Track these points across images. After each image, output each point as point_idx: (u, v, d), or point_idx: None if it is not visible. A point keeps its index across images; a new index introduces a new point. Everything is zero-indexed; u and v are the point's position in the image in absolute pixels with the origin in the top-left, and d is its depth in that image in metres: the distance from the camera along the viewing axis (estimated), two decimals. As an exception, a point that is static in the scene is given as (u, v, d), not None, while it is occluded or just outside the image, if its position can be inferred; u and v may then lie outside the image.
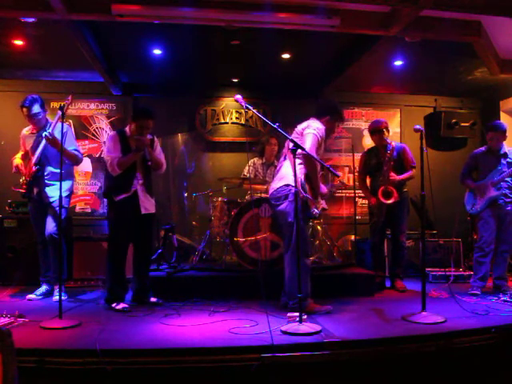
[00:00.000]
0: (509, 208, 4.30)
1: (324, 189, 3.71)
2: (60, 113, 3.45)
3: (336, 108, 3.76)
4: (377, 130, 4.61)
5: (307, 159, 3.44)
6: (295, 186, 3.24)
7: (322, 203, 3.61)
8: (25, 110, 4.00)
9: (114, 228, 3.86)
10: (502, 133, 4.34)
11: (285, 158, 3.68)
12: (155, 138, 4.01)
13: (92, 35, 4.56)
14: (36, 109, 4.02)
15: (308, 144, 3.42)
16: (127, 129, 3.88)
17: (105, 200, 6.05)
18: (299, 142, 3.34)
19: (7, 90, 5.96)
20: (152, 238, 4.04)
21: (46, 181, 4.08)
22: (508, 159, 4.33)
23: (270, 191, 3.68)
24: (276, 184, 3.62)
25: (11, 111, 5.86)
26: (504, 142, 4.39)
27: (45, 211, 4.09)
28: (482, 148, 4.56)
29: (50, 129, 3.85)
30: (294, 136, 3.55)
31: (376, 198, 4.52)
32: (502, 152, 4.36)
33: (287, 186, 3.50)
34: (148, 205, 3.88)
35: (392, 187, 4.43)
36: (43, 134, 3.87)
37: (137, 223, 3.83)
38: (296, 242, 3.22)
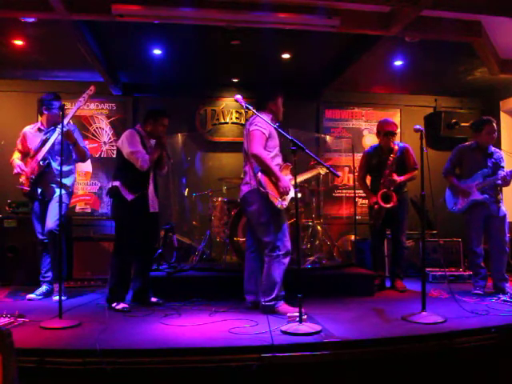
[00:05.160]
0: (493, 207, 4.26)
1: (286, 181, 3.49)
2: (74, 108, 3.85)
3: (275, 85, 3.73)
4: (391, 132, 4.51)
5: (254, 159, 3.47)
6: (258, 187, 3.36)
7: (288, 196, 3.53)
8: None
9: (124, 227, 3.79)
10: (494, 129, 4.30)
11: (246, 163, 3.68)
12: None
13: (92, 35, 4.57)
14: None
15: (251, 143, 3.46)
16: (139, 129, 3.91)
17: (106, 200, 6.05)
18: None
19: (7, 90, 5.96)
20: (157, 238, 4.03)
21: (50, 178, 4.08)
22: (493, 159, 4.29)
23: (241, 195, 3.70)
24: (244, 188, 3.64)
25: (11, 111, 5.88)
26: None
27: (46, 210, 4.09)
28: (470, 143, 4.46)
29: (65, 122, 3.84)
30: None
31: (375, 200, 4.50)
32: (488, 151, 4.31)
33: (253, 188, 3.52)
34: (155, 204, 3.91)
35: (393, 192, 4.41)
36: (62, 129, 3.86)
37: (144, 222, 3.82)
38: (270, 240, 3.42)
